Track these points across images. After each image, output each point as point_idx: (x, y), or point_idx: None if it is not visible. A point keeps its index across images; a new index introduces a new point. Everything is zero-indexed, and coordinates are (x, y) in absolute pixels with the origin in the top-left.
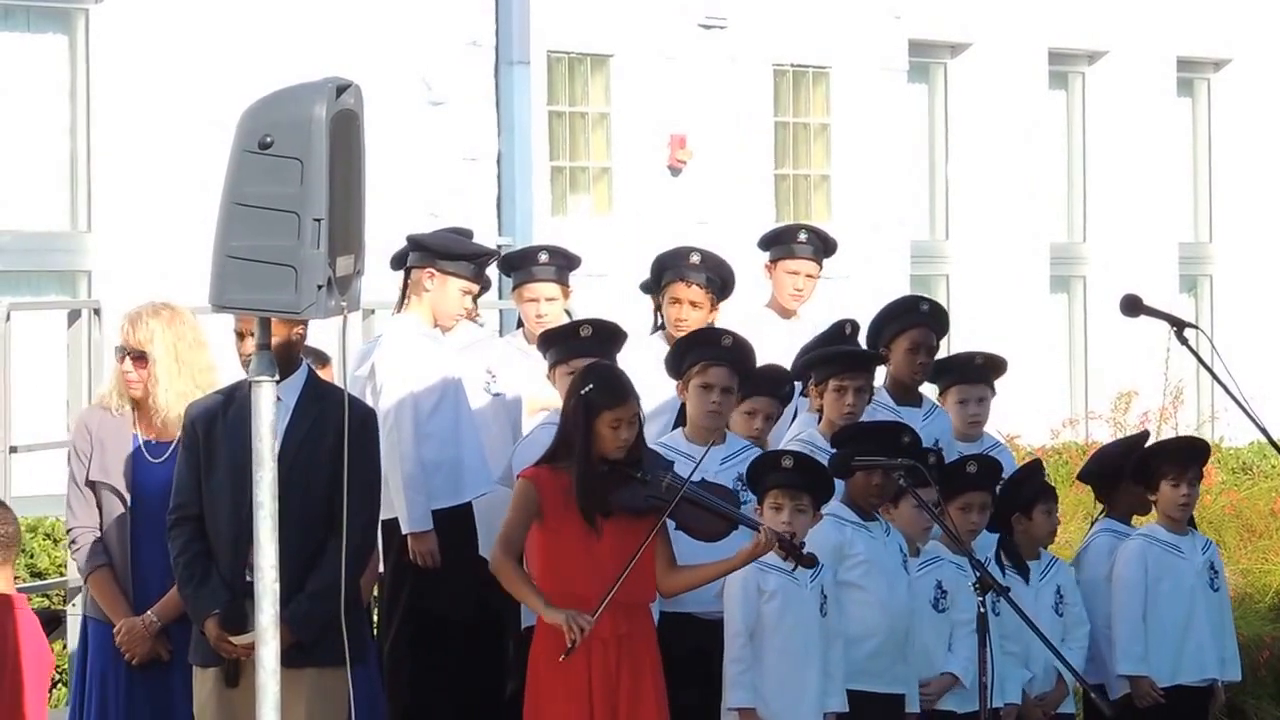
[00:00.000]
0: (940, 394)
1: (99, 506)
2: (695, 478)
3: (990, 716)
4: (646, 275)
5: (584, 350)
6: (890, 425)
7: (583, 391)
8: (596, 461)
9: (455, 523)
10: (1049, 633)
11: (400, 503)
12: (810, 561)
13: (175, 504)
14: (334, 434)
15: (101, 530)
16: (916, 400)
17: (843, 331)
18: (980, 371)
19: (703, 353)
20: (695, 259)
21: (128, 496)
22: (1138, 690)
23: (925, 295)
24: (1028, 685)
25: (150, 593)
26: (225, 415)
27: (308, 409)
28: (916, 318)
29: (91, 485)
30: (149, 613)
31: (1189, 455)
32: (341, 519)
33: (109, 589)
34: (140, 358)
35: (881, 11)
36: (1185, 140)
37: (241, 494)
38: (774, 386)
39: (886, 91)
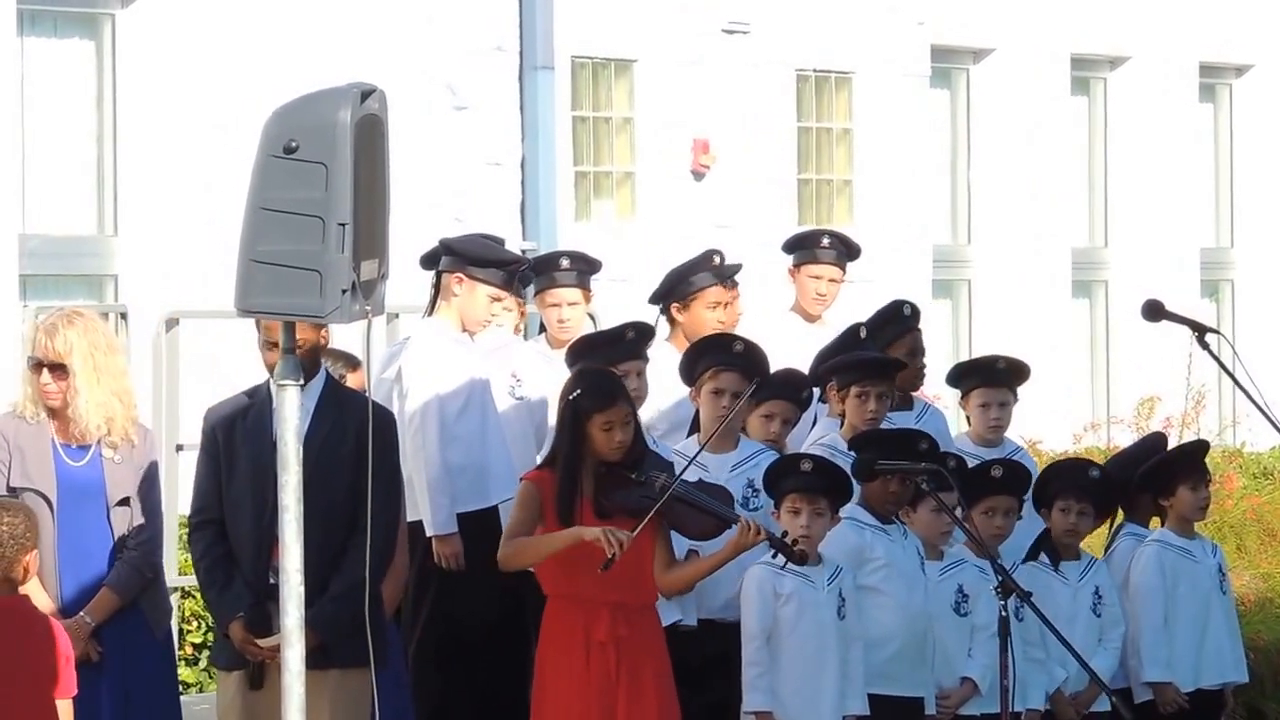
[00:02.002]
0: (962, 397)
1: None
2: (693, 477)
3: None
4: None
5: (630, 352)
6: (908, 432)
7: (571, 397)
8: (590, 464)
9: (481, 526)
10: (1086, 634)
11: (425, 505)
12: (800, 558)
13: (196, 508)
14: (353, 437)
15: None
16: (908, 403)
17: (857, 336)
18: (1003, 375)
19: (715, 358)
20: (717, 260)
21: (53, 500)
22: (1162, 697)
23: (904, 299)
24: (1062, 684)
25: (77, 595)
26: (245, 419)
27: (326, 412)
28: (909, 322)
29: (14, 491)
30: (82, 613)
31: (1202, 458)
32: (363, 521)
33: (39, 593)
34: (58, 369)
35: (904, 17)
36: (1207, 145)
37: (263, 497)
38: (792, 390)
39: (909, 96)
